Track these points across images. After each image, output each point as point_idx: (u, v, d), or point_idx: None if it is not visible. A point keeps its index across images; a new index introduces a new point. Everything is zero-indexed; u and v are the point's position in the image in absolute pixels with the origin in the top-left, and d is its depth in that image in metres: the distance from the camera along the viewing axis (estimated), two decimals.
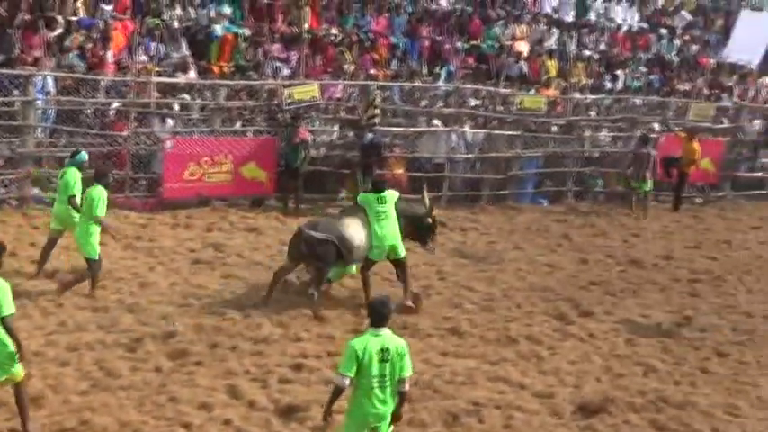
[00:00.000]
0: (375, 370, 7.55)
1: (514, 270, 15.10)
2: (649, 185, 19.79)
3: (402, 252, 12.54)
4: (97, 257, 12.10)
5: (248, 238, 15.51)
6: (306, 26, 19.72)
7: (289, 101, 17.38)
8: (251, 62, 19.12)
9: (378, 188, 12.66)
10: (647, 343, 12.29)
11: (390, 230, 12.35)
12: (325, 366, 10.32)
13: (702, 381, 11.29)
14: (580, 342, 12.16)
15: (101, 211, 11.96)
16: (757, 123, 22.77)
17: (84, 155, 13.20)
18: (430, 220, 13.11)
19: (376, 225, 12.29)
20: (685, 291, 14.90)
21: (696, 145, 20.20)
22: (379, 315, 7.70)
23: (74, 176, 12.56)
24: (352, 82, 18.74)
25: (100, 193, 11.97)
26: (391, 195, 12.55)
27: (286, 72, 19.02)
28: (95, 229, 12.04)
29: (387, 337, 7.67)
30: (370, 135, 17.47)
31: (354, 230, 12.30)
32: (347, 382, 7.59)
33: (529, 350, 11.65)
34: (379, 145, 17.67)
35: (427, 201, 13.27)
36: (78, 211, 12.29)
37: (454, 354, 11.37)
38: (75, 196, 12.38)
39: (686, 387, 11.02)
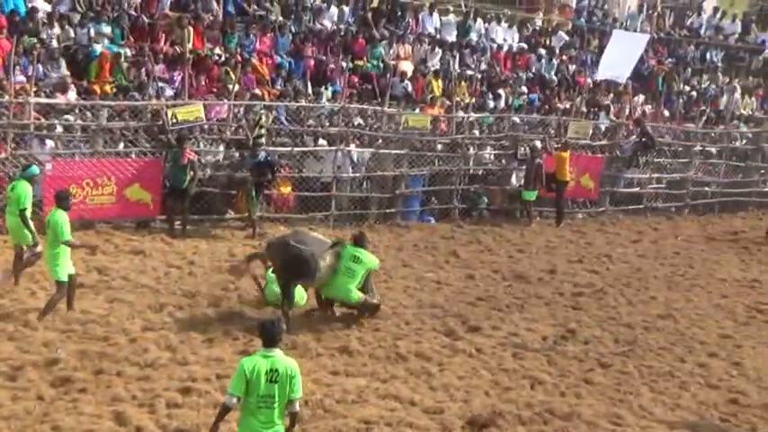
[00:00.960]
0: (263, 390, 7.54)
1: (403, 287, 15.20)
2: (535, 195, 20.74)
3: (353, 299, 12.98)
4: (65, 279, 12.04)
5: (134, 260, 15.18)
6: (189, 46, 19.49)
7: (173, 121, 17.14)
8: (134, 82, 18.80)
9: (357, 244, 13.15)
10: (533, 356, 12.53)
11: (343, 287, 12.87)
12: (215, 389, 10.17)
13: (587, 392, 11.55)
14: (469, 357, 12.31)
15: (67, 234, 11.90)
16: (632, 140, 23.51)
17: (36, 169, 13.54)
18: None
19: (337, 275, 12.82)
20: (569, 304, 15.25)
21: (566, 154, 21.03)
22: (269, 336, 7.70)
23: (25, 190, 12.88)
24: (237, 102, 18.60)
25: (61, 216, 11.92)
26: (367, 259, 13.09)
27: (170, 92, 18.74)
28: (63, 252, 11.98)
29: (277, 357, 7.65)
30: (263, 153, 17.39)
31: (328, 262, 12.74)
32: (235, 401, 7.59)
33: (419, 367, 11.73)
34: (274, 164, 17.61)
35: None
36: (27, 225, 12.63)
37: (345, 372, 11.36)
38: (26, 209, 12.77)
39: (571, 398, 11.26)
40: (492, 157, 22.01)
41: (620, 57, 23.94)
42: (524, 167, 21.20)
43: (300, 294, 13.25)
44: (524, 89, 24.90)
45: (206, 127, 18.09)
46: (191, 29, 20.15)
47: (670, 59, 30.05)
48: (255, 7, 22.32)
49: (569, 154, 21.31)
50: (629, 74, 24.41)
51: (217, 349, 11.58)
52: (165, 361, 11.01)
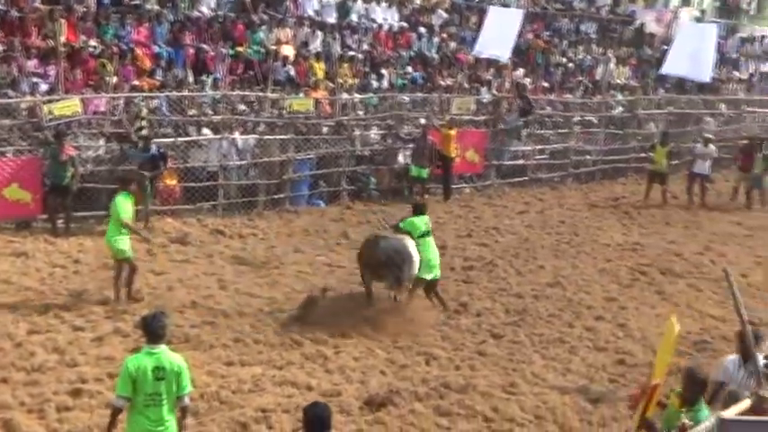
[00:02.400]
0: (150, 388, 7.39)
1: (295, 272, 15.11)
2: (426, 173, 20.78)
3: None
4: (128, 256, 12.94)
5: (15, 263, 14.60)
6: (62, 39, 18.86)
7: (49, 117, 16.61)
8: (5, 79, 18.11)
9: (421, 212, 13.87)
10: (426, 333, 12.62)
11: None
12: (106, 389, 9.94)
13: (481, 363, 11.74)
14: (363, 338, 12.33)
15: (126, 215, 12.68)
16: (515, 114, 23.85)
17: None
18: None
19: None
20: (460, 278, 15.43)
21: (453, 132, 21.23)
22: (152, 331, 7.53)
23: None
24: (116, 94, 18.12)
25: (124, 199, 12.71)
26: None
27: (44, 87, 18.13)
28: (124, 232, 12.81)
29: (163, 354, 7.49)
30: (154, 147, 17.02)
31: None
32: (123, 402, 7.43)
33: (314, 351, 11.71)
34: (167, 156, 17.28)
35: None
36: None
37: (240, 362, 11.26)
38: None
39: (466, 371, 11.42)
40: (378, 137, 22.02)
41: (499, 34, 24.17)
42: (411, 146, 21.31)
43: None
44: (407, 68, 24.99)
45: (84, 121, 17.57)
46: (63, 21, 19.49)
47: (546, 33, 30.54)
48: None
49: (455, 132, 21.49)
50: (510, 53, 24.74)
51: (107, 348, 11.31)
52: (53, 364, 10.71)
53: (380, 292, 13.53)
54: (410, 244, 13.09)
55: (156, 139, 17.53)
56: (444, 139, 21.26)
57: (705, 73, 26.55)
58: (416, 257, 13.01)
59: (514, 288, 15.05)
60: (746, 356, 8.38)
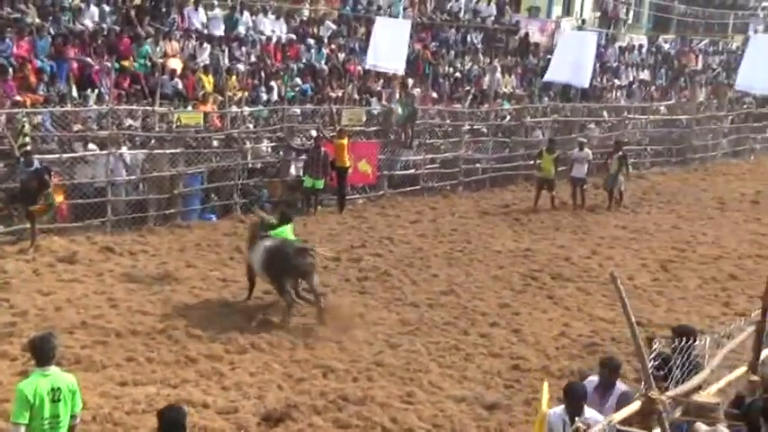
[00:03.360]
0: (47, 412, 7.18)
1: (189, 289, 14.85)
2: (321, 184, 20.87)
3: None
4: None
5: None
6: None
7: None
8: None
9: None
10: (323, 345, 12.57)
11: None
12: None
13: (378, 374, 11.74)
14: (260, 353, 12.21)
15: None
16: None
17: None
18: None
19: None
20: (356, 289, 15.41)
21: (344, 141, 21.31)
22: (42, 353, 7.31)
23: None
24: None
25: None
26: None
27: None
28: None
29: (56, 375, 7.29)
30: (36, 163, 16.51)
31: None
32: (22, 430, 7.15)
33: (209, 368, 11.53)
34: (50, 169, 16.79)
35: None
36: None
37: (133, 382, 11.00)
38: None
39: (364, 383, 11.41)
40: (269, 149, 21.88)
41: (390, 45, 24.35)
42: (303, 158, 21.24)
43: None
44: (297, 80, 24.92)
45: None
46: None
47: (434, 43, 30.89)
48: (9, 10, 21.11)
49: (347, 141, 21.51)
50: (404, 65, 24.94)
51: None
52: None
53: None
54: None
55: (39, 156, 17.02)
56: (338, 148, 21.24)
57: (585, 79, 27.50)
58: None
59: (409, 297, 15.11)
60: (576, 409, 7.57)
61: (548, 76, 28.79)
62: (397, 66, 24.75)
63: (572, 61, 26.91)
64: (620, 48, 38.81)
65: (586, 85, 28.29)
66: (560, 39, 31.01)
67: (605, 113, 30.69)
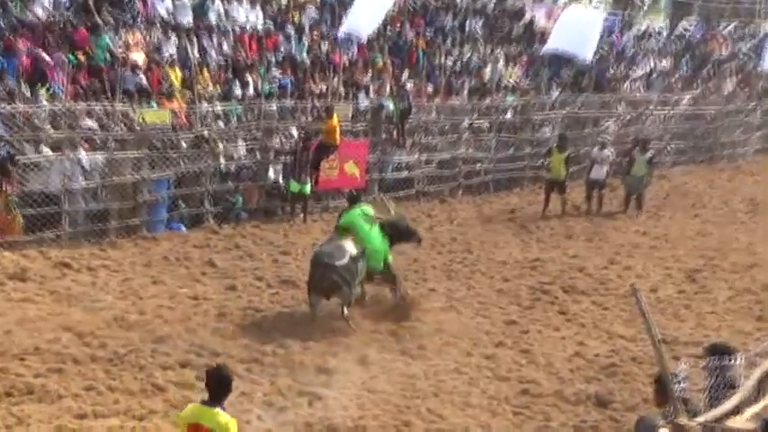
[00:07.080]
0: None
1: (155, 308, 14.76)
2: (308, 188, 20.92)
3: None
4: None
5: None
6: None
7: None
8: None
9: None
10: (307, 370, 12.53)
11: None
12: None
13: (371, 401, 11.66)
14: (237, 379, 12.04)
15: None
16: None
17: None
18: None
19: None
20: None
21: (334, 120, 21.44)
22: None
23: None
24: None
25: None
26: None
27: None
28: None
29: None
30: None
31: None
32: None
33: (180, 397, 11.44)
34: (14, 158, 16.82)
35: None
36: None
37: (93, 414, 10.90)
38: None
39: (355, 411, 11.36)
40: (244, 150, 21.82)
41: (366, 13, 24.28)
42: (285, 159, 21.20)
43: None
44: (275, 73, 24.89)
45: None
46: None
47: (429, 30, 30.85)
48: None
49: (337, 119, 21.55)
50: (372, 31, 24.86)
51: None
52: None
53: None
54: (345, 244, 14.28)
55: None
56: (328, 129, 21.24)
57: (588, 52, 27.02)
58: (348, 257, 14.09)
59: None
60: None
61: (546, 47, 28.40)
62: (364, 30, 24.74)
63: (574, 33, 26.52)
64: (636, 34, 38.83)
65: (588, 58, 27.86)
66: (563, 13, 30.68)
67: (621, 107, 30.70)
